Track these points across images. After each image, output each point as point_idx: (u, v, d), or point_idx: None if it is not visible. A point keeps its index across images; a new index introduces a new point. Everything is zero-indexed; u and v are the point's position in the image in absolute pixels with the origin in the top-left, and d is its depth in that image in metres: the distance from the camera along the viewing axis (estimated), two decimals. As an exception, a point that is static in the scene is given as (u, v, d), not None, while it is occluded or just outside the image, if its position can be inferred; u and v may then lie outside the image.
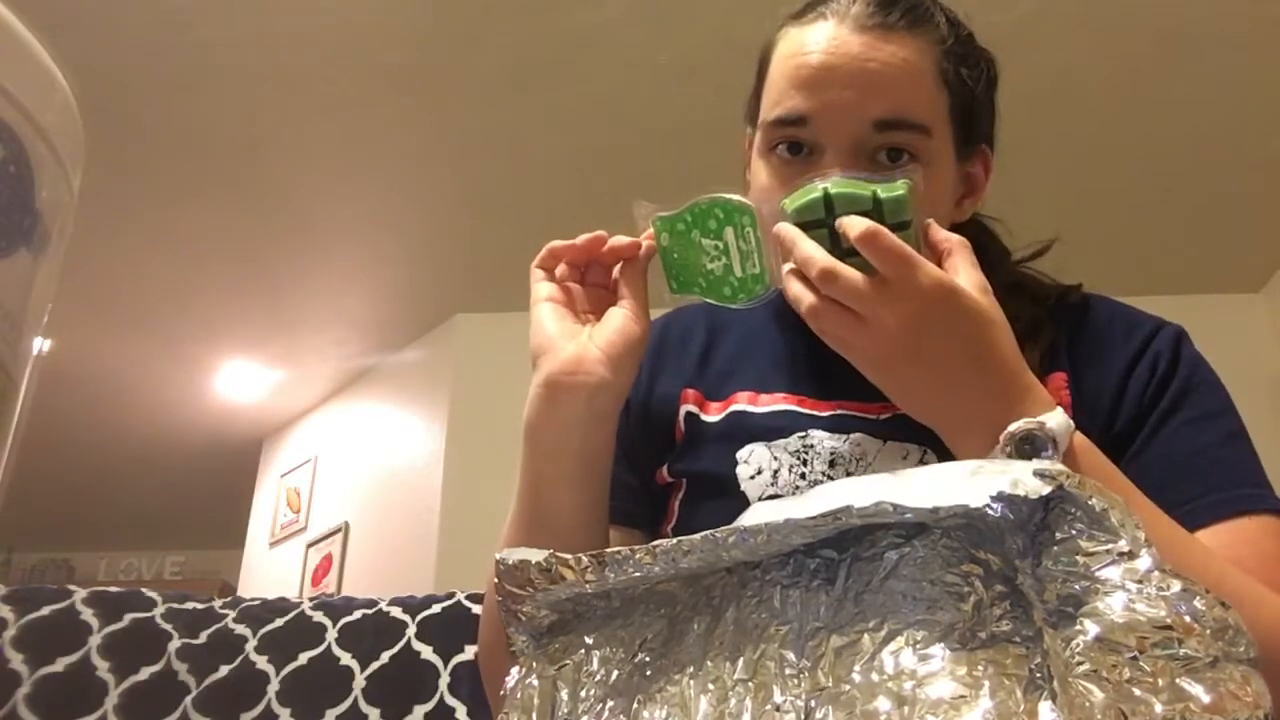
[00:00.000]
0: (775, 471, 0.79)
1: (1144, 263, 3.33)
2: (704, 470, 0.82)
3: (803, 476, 0.78)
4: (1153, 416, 0.77)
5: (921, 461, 0.76)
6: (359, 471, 4.11)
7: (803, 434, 0.80)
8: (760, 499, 0.78)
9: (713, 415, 0.86)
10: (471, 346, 3.78)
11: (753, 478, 0.79)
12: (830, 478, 0.77)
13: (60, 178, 0.56)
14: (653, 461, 0.87)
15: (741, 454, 0.81)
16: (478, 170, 3.10)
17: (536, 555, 0.54)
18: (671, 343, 0.93)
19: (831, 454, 0.79)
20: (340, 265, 3.62)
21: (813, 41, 0.79)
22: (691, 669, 0.49)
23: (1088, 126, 2.94)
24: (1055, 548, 0.41)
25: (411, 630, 1.10)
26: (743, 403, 0.85)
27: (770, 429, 0.81)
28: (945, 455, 0.71)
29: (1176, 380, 0.78)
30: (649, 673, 0.51)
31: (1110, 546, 0.40)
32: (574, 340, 0.75)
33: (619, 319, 0.76)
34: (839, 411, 0.81)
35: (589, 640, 0.55)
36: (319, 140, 3.04)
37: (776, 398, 0.84)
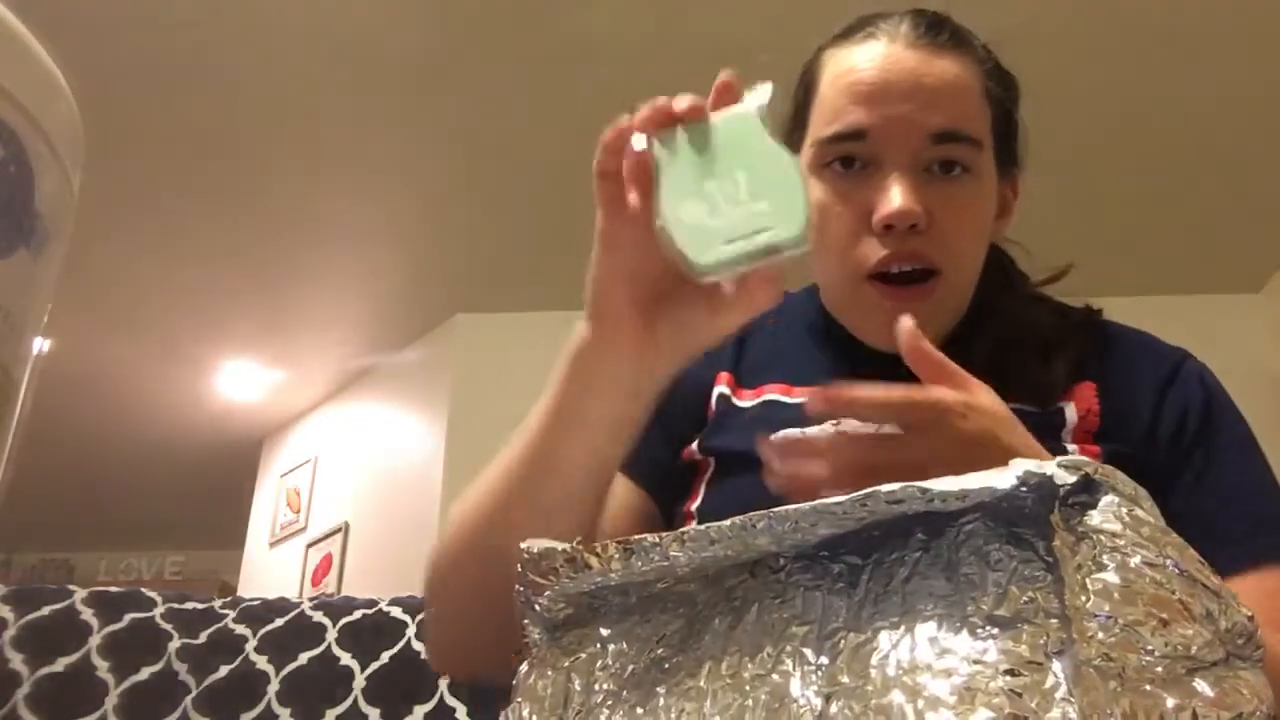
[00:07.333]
0: None
1: (1144, 263, 3.33)
2: (737, 449, 0.81)
3: None
4: (1202, 447, 0.78)
5: None
6: (359, 471, 4.11)
7: (836, 422, 0.80)
8: None
9: (745, 400, 0.86)
10: (471, 346, 3.77)
11: None
12: None
13: (60, 178, 0.56)
14: (681, 435, 0.86)
15: (775, 438, 0.80)
16: (478, 170, 3.09)
17: (562, 545, 0.54)
18: None
19: None
20: (340, 265, 3.62)
21: (866, 59, 0.80)
22: (709, 664, 0.50)
23: (1088, 126, 2.94)
24: (1075, 539, 0.41)
25: (411, 630, 1.10)
26: (775, 393, 0.85)
27: (803, 418, 0.81)
28: None
29: (1216, 412, 0.80)
30: (666, 667, 0.51)
31: (1130, 539, 0.40)
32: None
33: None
34: None
35: (604, 633, 0.55)
36: (319, 140, 3.04)
37: (811, 389, 0.84)
